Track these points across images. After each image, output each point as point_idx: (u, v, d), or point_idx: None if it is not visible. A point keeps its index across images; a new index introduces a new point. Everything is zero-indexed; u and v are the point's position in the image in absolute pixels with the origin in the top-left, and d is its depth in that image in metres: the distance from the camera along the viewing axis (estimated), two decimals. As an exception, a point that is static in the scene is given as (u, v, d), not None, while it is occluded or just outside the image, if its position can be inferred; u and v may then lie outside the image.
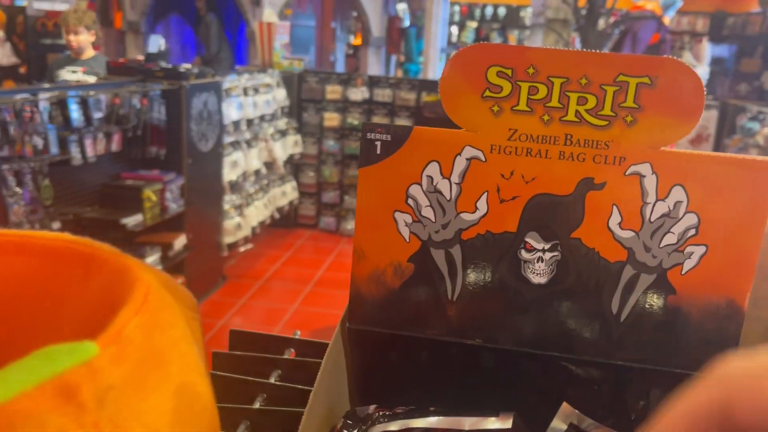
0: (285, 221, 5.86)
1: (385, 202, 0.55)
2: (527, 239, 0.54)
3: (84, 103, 3.42)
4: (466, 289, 0.56)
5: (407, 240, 0.56)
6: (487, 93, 0.52)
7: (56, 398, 0.25)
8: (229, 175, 4.75)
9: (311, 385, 0.65)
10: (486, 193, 0.54)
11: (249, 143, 5.06)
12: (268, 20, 5.90)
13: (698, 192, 0.51)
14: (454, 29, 12.23)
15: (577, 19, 7.13)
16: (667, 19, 7.30)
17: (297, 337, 1.01)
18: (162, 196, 4.00)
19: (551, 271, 0.55)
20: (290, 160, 5.75)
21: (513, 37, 11.87)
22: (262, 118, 5.24)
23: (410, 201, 0.55)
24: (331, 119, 5.87)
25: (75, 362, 0.27)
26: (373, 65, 8.06)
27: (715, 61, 10.25)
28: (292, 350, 0.97)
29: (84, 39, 4.21)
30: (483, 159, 0.53)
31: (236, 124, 4.87)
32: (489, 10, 12.38)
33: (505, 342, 0.57)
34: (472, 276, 0.56)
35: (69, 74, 4.21)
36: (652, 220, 0.52)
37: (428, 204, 0.55)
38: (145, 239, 3.97)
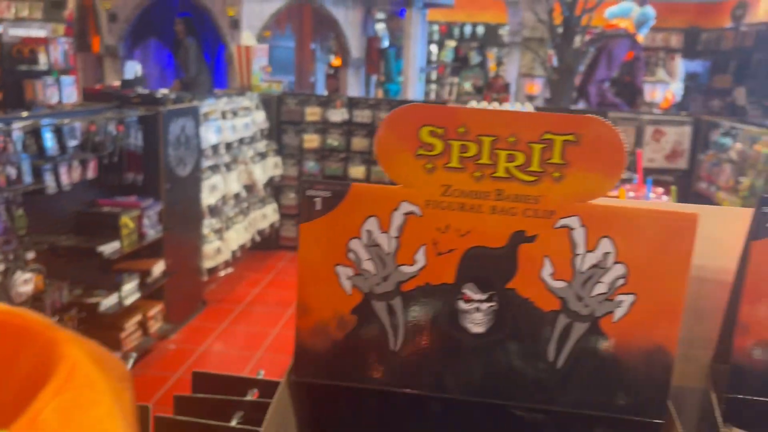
0: (266, 243, 5.85)
1: (327, 257, 0.56)
2: (464, 290, 0.56)
3: (58, 131, 3.40)
4: (409, 339, 0.57)
5: (349, 293, 0.57)
6: (421, 151, 0.54)
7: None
8: (208, 199, 4.74)
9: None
10: (423, 247, 0.55)
11: (228, 166, 5.06)
12: (246, 43, 5.93)
13: (625, 243, 0.53)
14: (434, 48, 12.36)
15: (553, 38, 7.25)
16: (640, 37, 7.44)
17: (260, 377, 1.01)
18: (140, 223, 3.98)
19: (489, 320, 0.56)
20: (270, 183, 5.76)
21: (492, 54, 12.02)
22: (241, 141, 5.25)
23: (351, 255, 0.56)
24: (311, 141, 5.90)
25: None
26: (353, 86, 8.11)
27: (690, 77, 10.45)
28: (256, 391, 0.97)
29: None
30: (419, 214, 0.55)
31: (215, 147, 4.87)
32: (468, 29, 12.53)
33: (449, 390, 0.59)
34: (414, 326, 0.57)
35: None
36: (582, 270, 0.54)
37: (368, 257, 0.56)
38: (123, 266, 3.93)
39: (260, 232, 5.58)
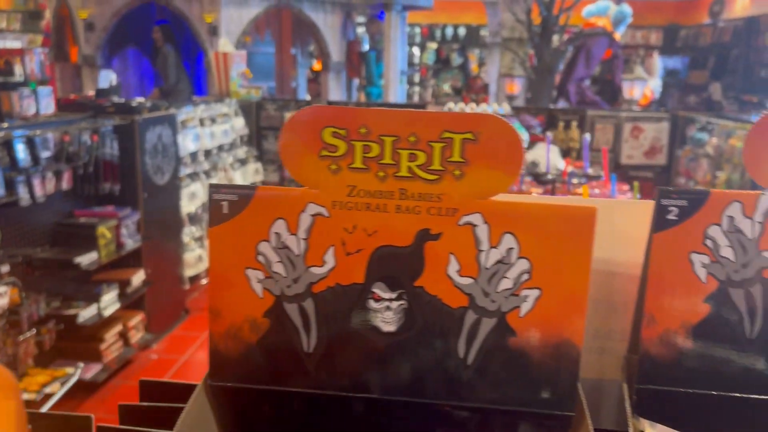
0: (249, 250, 5.83)
1: (237, 260, 0.56)
2: (374, 289, 0.56)
3: (31, 143, 3.39)
4: (322, 340, 0.58)
5: (261, 296, 0.57)
6: (324, 152, 0.54)
7: None
8: (187, 207, 4.73)
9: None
10: (332, 248, 0.56)
11: (208, 174, 5.05)
12: (224, 50, 5.92)
13: (527, 238, 0.54)
14: (416, 50, 12.39)
15: (532, 37, 7.29)
16: (618, 35, 7.50)
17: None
18: (117, 233, 3.96)
19: (399, 319, 0.56)
20: (251, 189, 5.75)
21: (474, 56, 12.07)
22: (220, 147, 5.24)
23: (260, 258, 0.56)
24: (291, 146, 5.90)
25: None
26: (334, 90, 8.11)
27: (669, 73, 10.54)
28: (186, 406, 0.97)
29: None
30: (326, 215, 0.55)
31: (193, 155, 4.86)
32: (449, 31, 12.57)
33: (369, 390, 0.59)
34: (326, 327, 0.57)
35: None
36: (487, 266, 0.55)
37: (278, 260, 0.56)
38: (102, 277, 3.91)
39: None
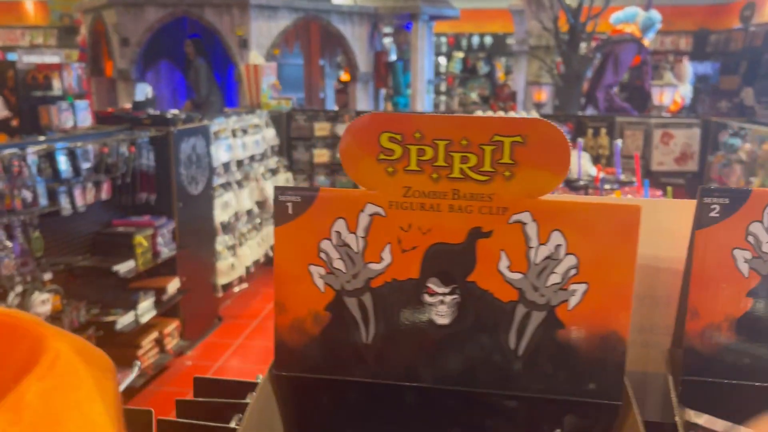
0: (279, 258, 5.91)
1: (300, 257, 0.60)
2: (429, 284, 0.60)
3: (72, 154, 3.50)
4: (379, 332, 0.61)
5: (322, 290, 0.61)
6: (382, 156, 0.58)
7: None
8: (220, 216, 4.82)
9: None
10: (389, 245, 0.59)
11: (240, 183, 5.14)
12: (254, 62, 6.03)
13: (575, 235, 0.57)
14: (442, 60, 12.44)
15: (559, 45, 7.28)
16: (647, 41, 7.45)
17: (259, 381, 1.05)
18: (153, 241, 4.05)
19: (453, 312, 0.60)
20: (282, 198, 5.83)
21: (500, 64, 12.07)
22: (252, 158, 5.33)
23: (322, 255, 0.60)
24: (321, 155, 5.97)
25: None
26: (362, 100, 8.19)
27: (700, 79, 10.41)
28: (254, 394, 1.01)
29: None
30: (383, 214, 0.59)
31: (226, 165, 4.95)
32: (476, 40, 12.61)
33: (422, 380, 0.62)
34: (383, 320, 0.61)
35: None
36: (536, 262, 0.58)
37: (339, 257, 0.60)
38: (139, 285, 4.01)
39: (273, 248, 5.65)
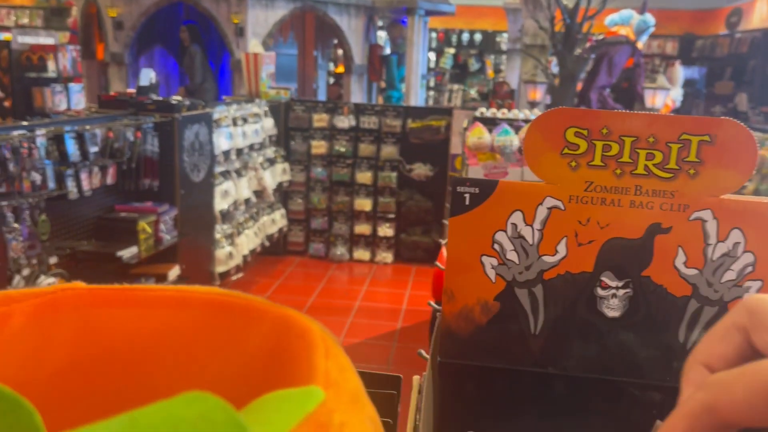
0: (275, 248, 5.88)
1: (473, 248, 0.61)
2: (602, 278, 0.61)
3: (80, 138, 3.44)
4: (548, 323, 0.62)
5: (493, 281, 0.62)
6: (566, 151, 0.59)
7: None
8: (220, 204, 4.79)
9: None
10: (565, 238, 0.60)
11: (239, 172, 5.10)
12: (254, 50, 5.98)
13: (754, 234, 0.59)
14: (432, 55, 12.46)
15: (555, 45, 7.34)
16: (640, 44, 7.55)
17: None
18: (156, 228, 4.01)
19: (624, 305, 0.61)
20: (279, 188, 5.80)
21: (490, 62, 12.12)
22: (251, 147, 5.29)
23: (496, 246, 0.61)
24: (319, 147, 5.95)
25: (315, 403, 0.32)
26: (356, 93, 8.17)
27: (687, 83, 10.58)
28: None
29: None
30: (562, 208, 0.60)
31: (226, 154, 4.91)
32: (465, 36, 12.65)
33: (588, 370, 0.64)
34: (553, 312, 0.62)
35: None
36: (713, 259, 0.59)
37: (513, 248, 0.61)
38: (140, 271, 3.97)
39: (269, 238, 5.62)
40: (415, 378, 0.71)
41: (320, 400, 0.33)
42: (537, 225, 0.61)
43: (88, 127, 3.50)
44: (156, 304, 0.46)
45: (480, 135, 3.75)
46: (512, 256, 0.61)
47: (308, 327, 0.40)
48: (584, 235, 0.60)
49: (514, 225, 0.61)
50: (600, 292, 0.61)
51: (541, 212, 0.60)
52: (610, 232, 0.60)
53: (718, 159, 0.58)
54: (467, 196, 0.61)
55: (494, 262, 0.62)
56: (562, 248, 0.61)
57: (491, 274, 0.62)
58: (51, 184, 3.23)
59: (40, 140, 3.20)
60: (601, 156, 0.59)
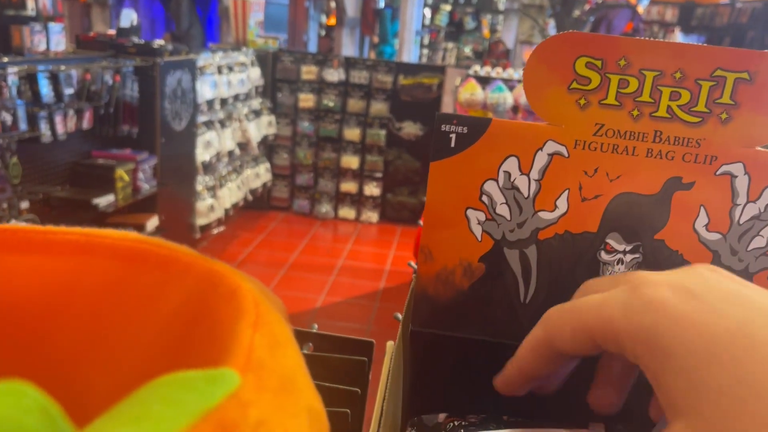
0: (258, 203, 5.77)
1: (457, 199, 0.52)
2: (608, 240, 0.52)
3: (54, 78, 3.28)
4: (541, 291, 0.53)
5: (479, 239, 0.52)
6: (575, 85, 0.49)
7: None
8: (202, 155, 4.65)
9: (332, 382, 0.62)
10: (567, 191, 0.51)
11: (223, 123, 4.95)
12: (243, -3, 5.75)
13: (791, 194, 0.49)
14: (427, 12, 12.15)
15: (553, 6, 7.15)
16: (641, 9, 7.37)
17: (315, 330, 0.97)
18: (134, 176, 3.89)
19: (631, 273, 0.52)
20: (264, 142, 5.65)
21: (486, 21, 11.87)
22: (236, 97, 5.13)
23: (484, 198, 0.51)
24: (306, 100, 5.79)
25: (223, 394, 0.23)
26: (348, 46, 7.95)
27: (683, 52, 10.43)
28: (311, 345, 0.94)
29: None
30: (566, 155, 0.50)
31: (210, 103, 4.76)
32: (462, -6, 12.32)
33: (572, 345, 0.55)
34: (548, 277, 0.53)
35: None
36: (741, 222, 0.50)
37: (504, 201, 0.51)
38: (117, 220, 3.86)
39: (252, 192, 5.50)
40: (389, 344, 0.62)
41: (231, 390, 0.24)
42: (535, 174, 0.51)
43: (63, 67, 3.33)
44: (57, 251, 0.35)
45: (473, 91, 3.62)
46: (503, 210, 0.52)
47: (238, 286, 0.30)
48: (590, 188, 0.51)
49: (508, 173, 0.51)
50: (604, 256, 0.52)
51: (541, 159, 0.50)
52: (620, 185, 0.50)
53: (756, 102, 0.48)
54: (453, 136, 0.51)
55: (481, 216, 0.52)
56: (562, 203, 0.51)
57: (477, 231, 0.52)
58: (23, 126, 3.09)
59: (12, 78, 3.04)
60: (616, 93, 0.49)
